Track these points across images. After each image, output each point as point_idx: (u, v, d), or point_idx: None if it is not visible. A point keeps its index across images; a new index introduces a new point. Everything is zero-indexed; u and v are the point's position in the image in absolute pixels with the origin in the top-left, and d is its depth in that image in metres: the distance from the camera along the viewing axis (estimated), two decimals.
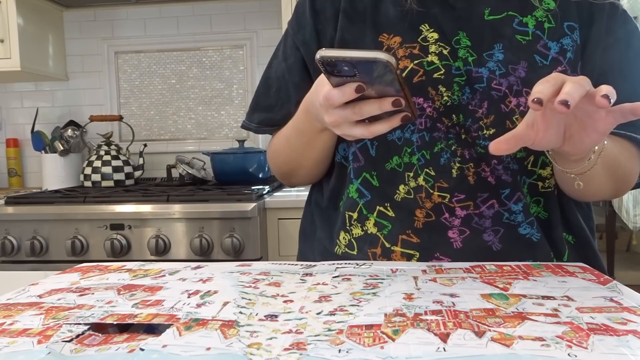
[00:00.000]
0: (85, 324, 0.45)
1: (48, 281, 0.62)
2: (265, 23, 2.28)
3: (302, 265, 0.67)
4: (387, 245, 0.75)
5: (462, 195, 0.72)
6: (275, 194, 1.89)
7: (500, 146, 0.58)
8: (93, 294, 0.55)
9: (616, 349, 0.38)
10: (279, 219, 1.74)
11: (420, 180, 0.74)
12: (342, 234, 0.80)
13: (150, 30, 2.34)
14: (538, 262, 0.67)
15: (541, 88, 0.53)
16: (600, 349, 0.38)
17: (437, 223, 0.73)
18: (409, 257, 0.74)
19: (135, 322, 0.46)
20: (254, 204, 1.66)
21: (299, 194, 1.84)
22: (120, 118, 2.24)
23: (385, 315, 0.46)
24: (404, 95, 0.56)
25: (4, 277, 1.70)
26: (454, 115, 0.73)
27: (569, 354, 0.37)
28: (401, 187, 0.75)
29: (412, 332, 0.42)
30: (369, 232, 0.77)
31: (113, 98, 2.37)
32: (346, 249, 0.79)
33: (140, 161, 2.20)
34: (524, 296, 0.51)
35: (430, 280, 0.58)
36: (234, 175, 2.01)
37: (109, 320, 0.46)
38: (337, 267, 0.65)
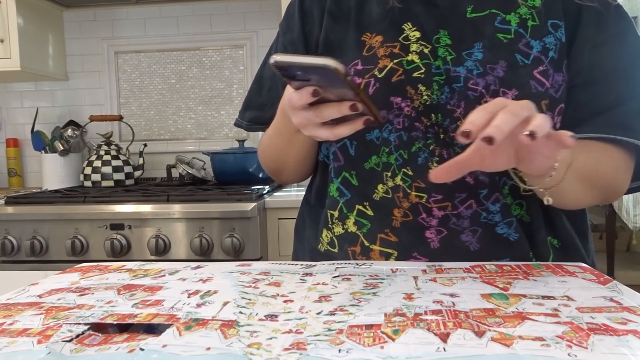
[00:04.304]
0: (85, 324, 0.45)
1: (48, 281, 0.62)
2: (265, 23, 2.28)
3: (302, 265, 0.67)
4: (366, 243, 0.76)
5: (439, 196, 0.72)
6: (275, 194, 1.89)
7: (440, 174, 0.58)
8: (93, 293, 0.55)
9: (616, 349, 0.38)
10: (279, 218, 1.74)
11: (398, 180, 0.74)
12: (324, 232, 0.81)
13: (150, 30, 2.34)
14: (538, 262, 0.67)
15: (474, 118, 0.53)
16: (600, 349, 0.38)
17: (415, 223, 0.73)
18: (387, 256, 0.74)
19: (135, 322, 0.46)
20: (254, 203, 1.66)
21: (299, 194, 1.84)
22: (120, 118, 2.24)
23: (385, 315, 0.46)
24: (361, 100, 0.56)
25: (4, 277, 1.70)
26: (432, 115, 0.73)
27: (569, 354, 0.37)
28: (379, 186, 0.75)
29: (412, 332, 0.42)
30: (349, 230, 0.78)
31: (113, 98, 2.37)
32: (328, 247, 0.80)
33: (140, 161, 2.20)
34: (524, 296, 0.51)
35: (430, 280, 0.58)
36: (234, 175, 2.01)
37: (109, 320, 0.46)
38: (337, 267, 0.65)
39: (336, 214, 0.79)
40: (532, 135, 0.51)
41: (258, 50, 2.29)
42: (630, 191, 0.78)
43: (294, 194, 1.86)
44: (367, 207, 0.76)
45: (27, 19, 2.10)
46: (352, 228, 0.77)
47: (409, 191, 0.73)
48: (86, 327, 0.45)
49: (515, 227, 0.72)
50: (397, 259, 0.73)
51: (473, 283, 0.56)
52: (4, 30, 2.02)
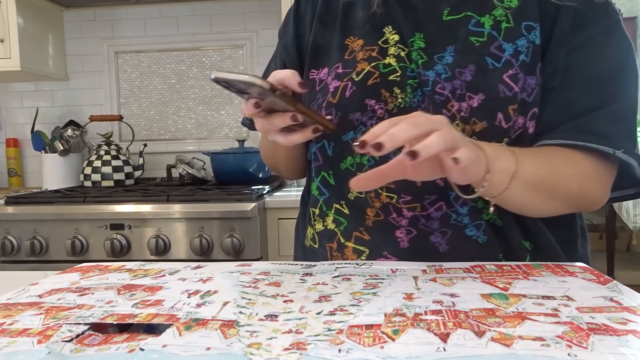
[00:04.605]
0: (85, 324, 0.45)
1: (48, 281, 0.62)
2: (265, 23, 2.28)
3: (302, 265, 0.67)
4: (342, 240, 0.78)
5: (408, 197, 0.72)
6: (275, 193, 1.89)
7: (359, 183, 0.59)
8: (93, 293, 0.55)
9: (616, 348, 0.38)
10: (279, 218, 1.74)
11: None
12: (308, 228, 0.85)
13: (150, 30, 2.34)
14: (538, 262, 0.67)
15: (375, 128, 0.54)
16: (600, 349, 0.38)
17: (386, 222, 0.74)
18: (359, 254, 0.76)
19: (135, 322, 0.46)
20: (254, 203, 1.66)
21: (299, 194, 1.83)
22: (120, 118, 2.24)
23: (385, 315, 0.46)
24: (299, 111, 0.61)
25: (4, 277, 1.70)
26: None
27: (569, 354, 0.37)
28: None
29: (412, 332, 0.42)
30: (328, 227, 0.80)
31: (113, 98, 2.37)
32: (311, 243, 0.84)
33: (140, 161, 2.20)
34: (524, 296, 0.51)
35: (430, 280, 0.58)
36: (234, 175, 2.01)
37: (109, 320, 0.46)
38: (337, 267, 0.65)
39: (317, 211, 0.82)
40: (412, 154, 0.52)
41: (258, 50, 2.29)
42: (613, 200, 0.76)
43: (294, 194, 1.86)
44: (344, 205, 0.78)
45: (27, 19, 2.10)
46: (331, 225, 0.79)
47: (380, 191, 0.74)
48: (86, 327, 0.45)
49: (484, 230, 0.72)
50: (368, 257, 0.75)
51: (473, 283, 0.56)
52: (4, 30, 2.02)
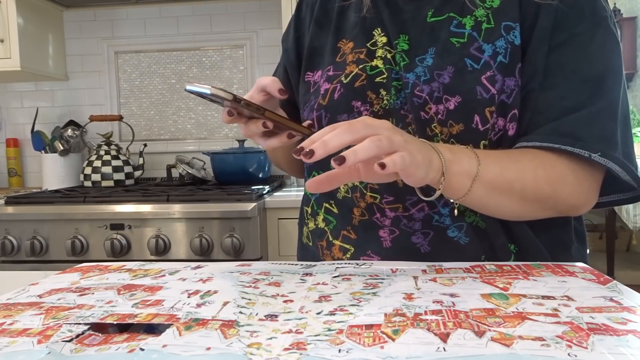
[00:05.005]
0: (85, 324, 0.45)
1: (48, 281, 0.62)
2: (265, 23, 2.28)
3: (302, 265, 0.67)
4: (331, 239, 0.79)
5: (390, 198, 0.73)
6: (275, 193, 1.89)
7: (311, 184, 0.61)
8: (93, 293, 0.55)
9: (616, 348, 0.38)
10: (279, 218, 1.74)
11: (355, 181, 0.74)
12: (304, 227, 0.87)
13: (150, 30, 2.34)
14: (538, 262, 0.67)
15: (315, 135, 0.55)
16: (600, 348, 0.38)
17: (370, 222, 0.75)
18: (345, 251, 0.77)
19: (135, 322, 0.46)
20: (254, 203, 1.66)
21: (299, 194, 1.84)
22: (120, 118, 2.24)
23: (385, 315, 0.46)
24: (268, 119, 0.64)
25: (4, 277, 1.70)
26: (391, 119, 0.73)
27: (569, 354, 0.37)
28: (341, 186, 0.77)
29: (412, 332, 0.42)
30: (319, 226, 0.82)
31: (113, 98, 2.37)
32: (307, 240, 0.86)
33: (140, 161, 2.20)
34: (524, 296, 0.51)
35: (430, 280, 0.58)
36: (234, 175, 2.01)
37: (109, 320, 0.46)
38: (337, 267, 0.65)
39: (309, 210, 0.84)
40: (338, 160, 0.53)
41: (258, 50, 2.28)
42: (608, 204, 0.75)
43: (294, 194, 1.86)
44: (333, 205, 0.79)
45: (27, 19, 2.10)
46: (322, 224, 0.81)
47: (364, 192, 0.75)
48: (86, 327, 0.45)
49: (465, 231, 0.71)
50: (353, 255, 0.76)
51: (473, 283, 0.56)
52: (4, 30, 2.02)
